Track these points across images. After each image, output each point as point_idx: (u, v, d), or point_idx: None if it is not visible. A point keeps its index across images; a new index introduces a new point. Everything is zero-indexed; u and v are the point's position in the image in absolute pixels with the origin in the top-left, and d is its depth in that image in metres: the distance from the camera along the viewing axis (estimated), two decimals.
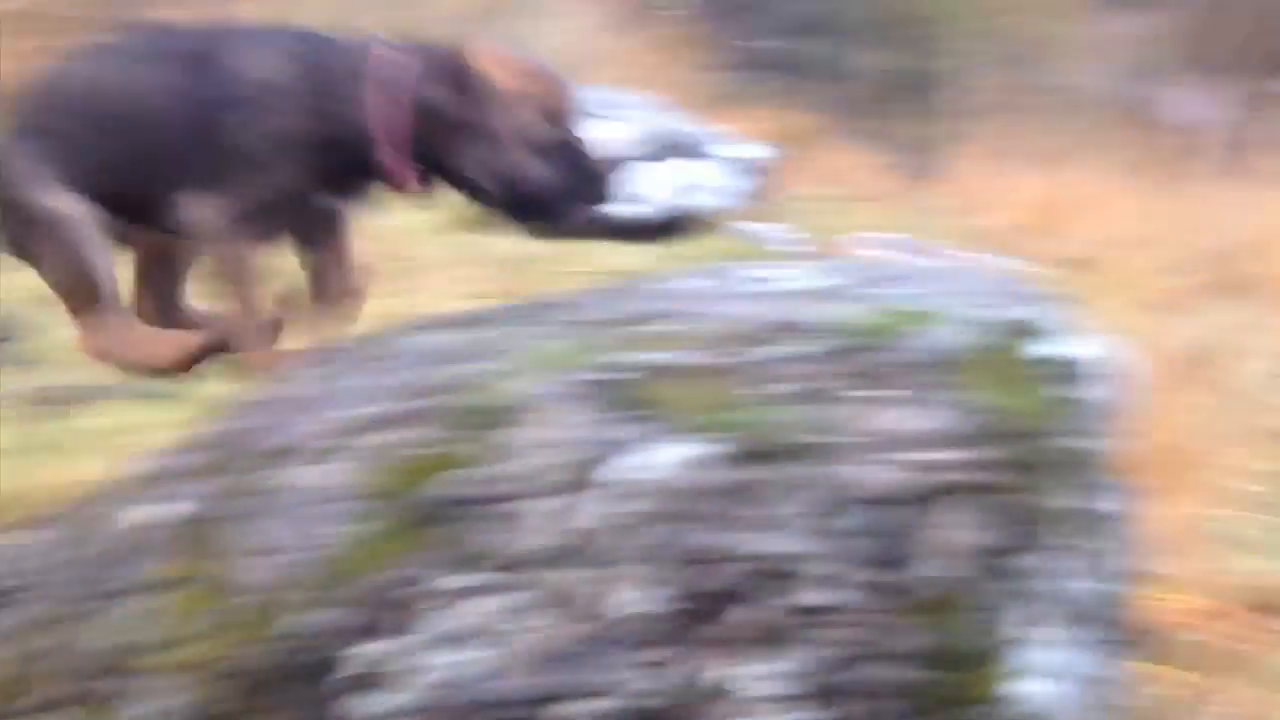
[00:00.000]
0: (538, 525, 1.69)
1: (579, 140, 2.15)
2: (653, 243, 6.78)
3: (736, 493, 1.69)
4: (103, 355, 2.34)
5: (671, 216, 6.95)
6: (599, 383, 1.78)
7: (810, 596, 1.70)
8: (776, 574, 1.69)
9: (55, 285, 2.29)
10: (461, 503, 1.71)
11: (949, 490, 1.73)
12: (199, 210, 2.17)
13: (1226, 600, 3.04)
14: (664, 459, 1.69)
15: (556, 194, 2.13)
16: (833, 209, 10.72)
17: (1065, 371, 1.86)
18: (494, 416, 1.76)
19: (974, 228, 9.11)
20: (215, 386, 3.47)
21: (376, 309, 4.12)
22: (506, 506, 1.70)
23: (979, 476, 1.74)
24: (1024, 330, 1.89)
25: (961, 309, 1.91)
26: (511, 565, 1.69)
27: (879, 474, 1.71)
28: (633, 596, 1.68)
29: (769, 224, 8.10)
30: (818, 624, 1.71)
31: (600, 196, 2.23)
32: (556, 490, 1.69)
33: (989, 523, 1.74)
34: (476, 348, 1.95)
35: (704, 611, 1.69)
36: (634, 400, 1.75)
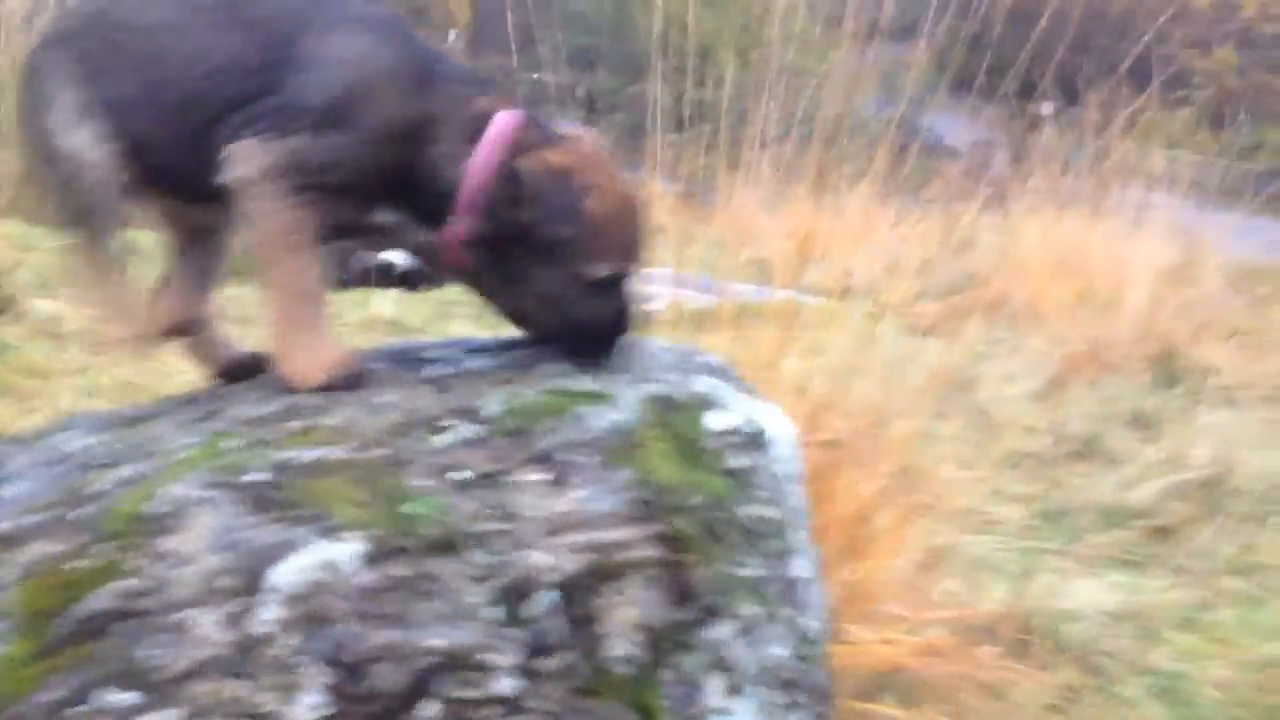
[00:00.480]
0: (207, 635, 1.60)
1: (631, 279, 2.00)
2: (420, 290, 6.72)
3: (416, 586, 1.65)
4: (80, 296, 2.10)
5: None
6: (264, 483, 1.70)
7: (501, 686, 1.67)
8: (465, 665, 1.65)
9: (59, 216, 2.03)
10: (124, 616, 1.61)
11: (632, 568, 1.71)
12: (248, 160, 1.88)
13: (984, 629, 3.13)
14: (338, 557, 1.63)
15: (597, 334, 1.98)
16: None
17: (744, 442, 1.87)
18: (152, 524, 1.66)
19: (749, 259, 9.32)
20: None
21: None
22: (173, 617, 1.61)
23: (661, 553, 1.72)
24: (700, 404, 1.88)
25: (636, 385, 1.90)
26: (182, 678, 1.60)
27: (561, 559, 1.69)
28: (314, 701, 1.62)
29: None
30: (512, 713, 1.67)
31: (626, 330, 2.02)
32: (225, 597, 1.61)
33: (676, 597, 1.73)
34: (128, 451, 1.83)
35: (392, 710, 1.64)
36: (302, 499, 1.68)
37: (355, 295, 6.44)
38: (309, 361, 1.91)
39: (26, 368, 4.00)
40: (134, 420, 1.94)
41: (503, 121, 1.92)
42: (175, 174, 1.99)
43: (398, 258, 7.08)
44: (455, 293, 6.74)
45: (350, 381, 1.90)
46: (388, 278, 7.02)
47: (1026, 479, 4.45)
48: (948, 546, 3.46)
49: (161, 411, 1.97)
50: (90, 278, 2.05)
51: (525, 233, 1.88)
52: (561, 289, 1.92)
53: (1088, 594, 3.48)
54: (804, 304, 6.20)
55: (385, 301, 6.26)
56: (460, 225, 1.91)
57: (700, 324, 4.16)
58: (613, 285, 1.94)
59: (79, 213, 1.99)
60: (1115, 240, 7.74)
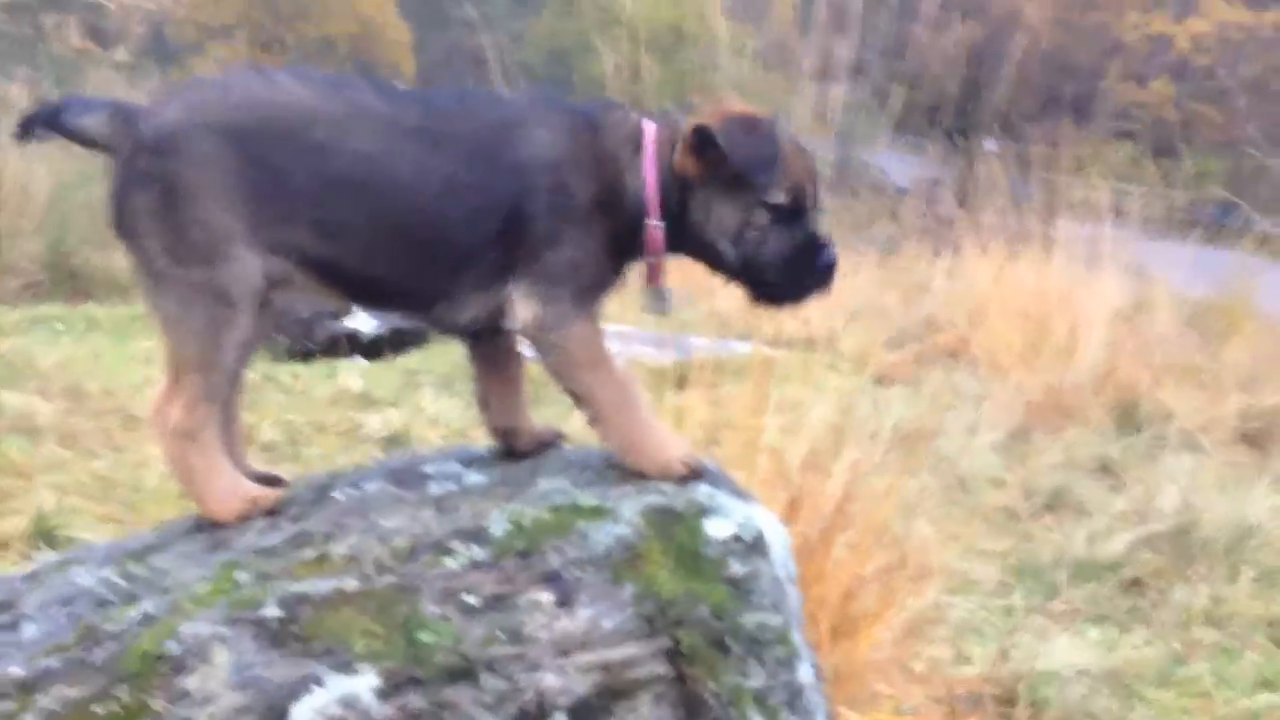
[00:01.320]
0: None
1: (815, 214, 2.14)
2: (387, 357, 6.73)
3: (433, 717, 1.69)
4: (174, 451, 1.98)
5: (404, 330, 6.93)
6: (280, 619, 1.73)
7: None
8: None
9: (169, 341, 1.96)
10: None
11: (641, 686, 1.75)
12: (530, 308, 2.03)
13: (969, 698, 3.19)
14: (355, 692, 1.67)
15: (792, 269, 2.11)
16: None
17: (744, 549, 1.92)
18: (172, 663, 1.69)
19: (707, 312, 9.40)
20: None
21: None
22: None
23: (668, 668, 1.78)
24: (699, 511, 1.93)
25: (635, 497, 1.95)
26: None
27: (571, 680, 1.73)
28: None
29: None
30: None
31: (827, 283, 2.16)
32: None
33: (685, 713, 1.78)
34: (141, 586, 1.85)
35: None
36: (318, 633, 1.72)
37: (322, 367, 6.44)
38: (668, 456, 2.03)
39: (2, 466, 3.99)
40: (142, 552, 1.96)
41: (647, 126, 2.13)
42: (390, 296, 2.10)
43: (365, 324, 7.09)
44: (419, 360, 6.76)
45: (699, 471, 2.05)
46: (354, 345, 7.02)
47: (998, 534, 4.52)
48: (927, 610, 3.52)
49: (167, 541, 1.99)
50: (198, 428, 1.97)
51: (697, 193, 2.10)
52: (758, 220, 2.08)
53: (1067, 653, 3.54)
54: (764, 356, 6.28)
55: (353, 373, 6.26)
56: (652, 220, 2.09)
57: (667, 382, 4.21)
58: (801, 213, 2.10)
59: (210, 328, 1.92)
60: (1069, 280, 7.87)
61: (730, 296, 9.44)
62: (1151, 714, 3.27)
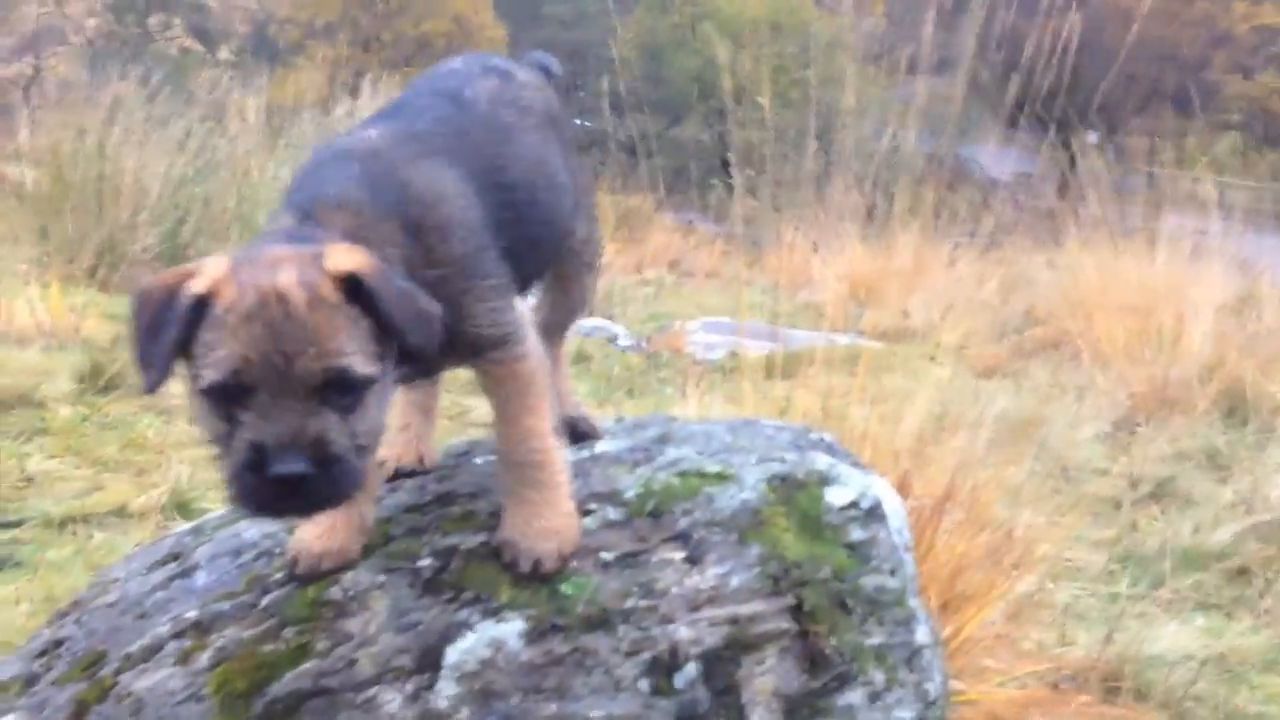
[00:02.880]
0: (391, 711, 1.75)
1: (277, 402, 1.54)
2: None
3: (574, 661, 1.80)
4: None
5: None
6: (430, 568, 1.87)
7: None
8: None
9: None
10: (316, 694, 1.77)
11: (768, 640, 1.85)
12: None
13: (1075, 678, 3.23)
14: (503, 636, 1.79)
15: (233, 476, 1.56)
16: (666, 293, 11.03)
17: (863, 515, 2.01)
18: (335, 608, 1.83)
19: (804, 304, 9.45)
20: (57, 552, 3.48)
21: None
22: (360, 695, 1.76)
23: (793, 624, 1.88)
24: (820, 480, 2.02)
25: (759, 465, 2.05)
26: None
27: (702, 632, 1.83)
28: None
29: (599, 318, 8.30)
30: None
31: (280, 503, 1.58)
32: (405, 676, 1.77)
33: (809, 666, 1.87)
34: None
35: None
36: (467, 582, 1.84)
37: None
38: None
39: (139, 444, 4.21)
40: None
41: None
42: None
43: None
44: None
45: None
46: None
47: (1104, 523, 4.53)
48: (1034, 595, 3.56)
49: None
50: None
51: None
52: (197, 408, 1.62)
53: (1172, 639, 3.56)
54: (864, 348, 6.33)
55: None
56: None
57: (762, 372, 4.28)
58: (242, 399, 1.55)
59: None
60: (1174, 273, 7.77)
61: (825, 289, 9.43)
62: (1257, 699, 3.28)
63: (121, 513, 3.69)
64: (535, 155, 2.03)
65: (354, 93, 11.76)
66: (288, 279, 1.55)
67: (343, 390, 1.56)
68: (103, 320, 5.92)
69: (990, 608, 2.99)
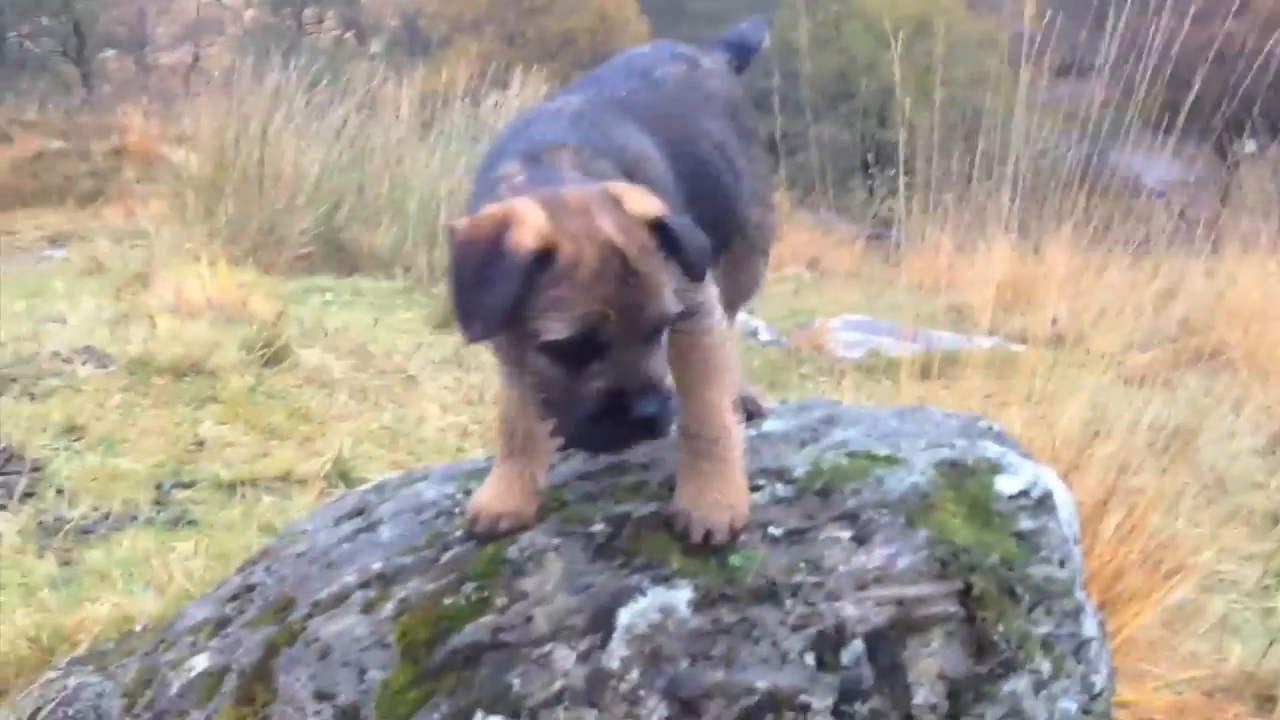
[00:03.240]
0: (565, 668, 1.81)
1: (631, 347, 1.63)
2: None
3: (741, 631, 1.84)
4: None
5: None
6: (604, 533, 1.93)
7: None
8: (786, 705, 1.81)
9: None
10: (494, 648, 1.84)
11: (934, 623, 1.86)
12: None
13: (1230, 689, 3.16)
14: (673, 602, 1.84)
15: (590, 423, 1.66)
16: (806, 290, 11.00)
17: (1033, 505, 2.00)
18: (512, 566, 1.91)
19: (946, 305, 9.31)
20: (227, 513, 3.65)
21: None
22: (536, 651, 1.82)
23: (961, 609, 1.88)
24: (990, 468, 2.02)
25: (928, 450, 2.06)
26: (546, 705, 1.81)
27: (868, 611, 1.85)
28: None
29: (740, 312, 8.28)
30: None
31: (643, 437, 1.69)
32: (578, 635, 1.83)
33: (975, 651, 1.87)
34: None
35: None
36: (639, 548, 1.90)
37: None
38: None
39: (303, 414, 4.38)
40: (476, 473, 2.19)
41: None
42: None
43: None
44: None
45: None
46: None
47: (1259, 537, 4.39)
48: (1189, 605, 3.48)
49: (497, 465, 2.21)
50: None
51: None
52: (535, 364, 1.66)
53: None
54: (1010, 352, 6.21)
55: None
56: None
57: (905, 372, 4.25)
58: (599, 351, 1.63)
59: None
60: None
61: (971, 292, 9.31)
62: None
63: (287, 478, 3.85)
64: (716, 139, 2.08)
65: (503, 86, 11.98)
66: (615, 229, 1.61)
67: (662, 330, 1.68)
68: (266, 298, 6.16)
69: (1148, 612, 2.94)
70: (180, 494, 3.76)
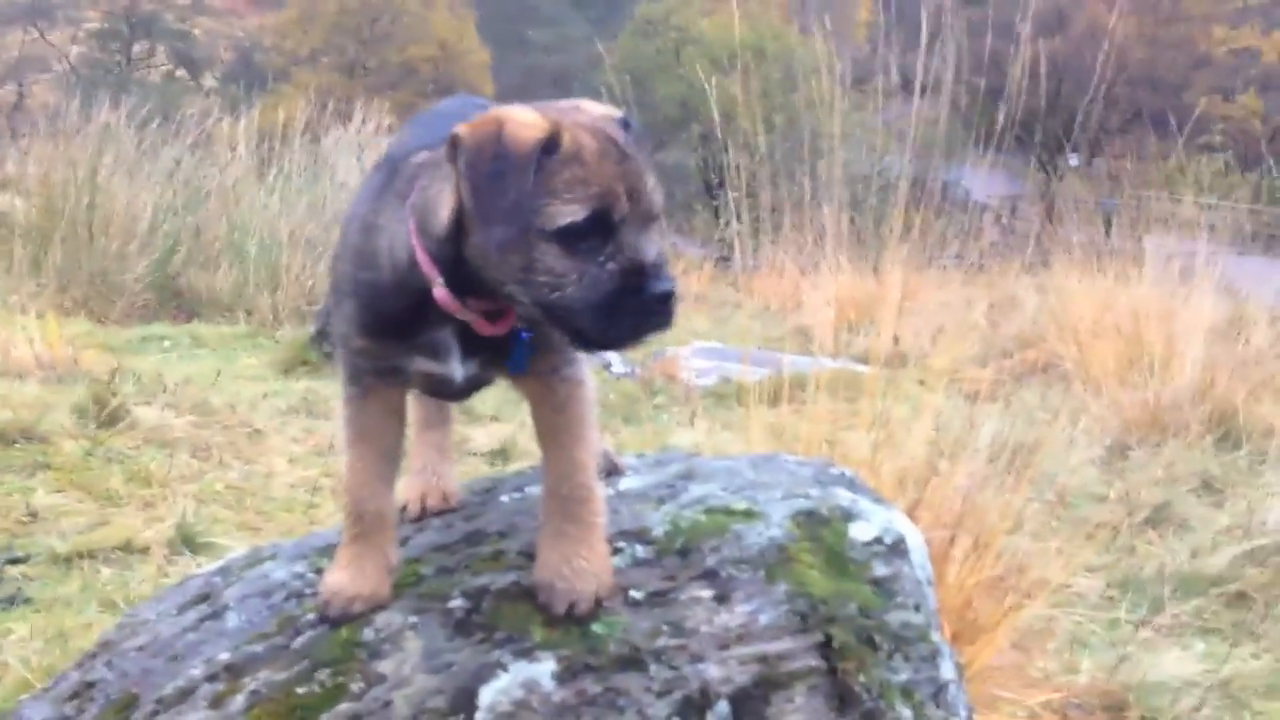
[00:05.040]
0: None
1: (640, 228, 1.66)
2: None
3: (606, 701, 1.82)
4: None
5: None
6: (462, 609, 1.88)
7: None
8: None
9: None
10: None
11: (797, 678, 1.87)
12: None
13: (1083, 706, 3.26)
14: (536, 676, 1.80)
15: (605, 308, 1.64)
16: None
17: (886, 551, 2.03)
18: (368, 649, 1.85)
19: (793, 328, 9.50)
20: (65, 588, 3.47)
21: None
22: None
23: (822, 661, 1.90)
24: (844, 516, 2.05)
25: (783, 501, 2.07)
26: None
27: (732, 671, 1.85)
28: None
29: None
30: None
31: (662, 317, 1.67)
32: (441, 717, 1.78)
33: (838, 704, 1.89)
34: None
35: None
36: (499, 622, 1.86)
37: None
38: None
39: (143, 477, 4.21)
40: (329, 549, 2.11)
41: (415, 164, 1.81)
42: None
43: None
44: None
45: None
46: None
47: (1100, 548, 4.56)
48: (1036, 622, 3.59)
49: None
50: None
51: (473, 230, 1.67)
52: (544, 255, 1.63)
53: (1175, 665, 3.58)
54: (855, 373, 6.36)
55: None
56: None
57: (755, 397, 4.31)
58: (611, 231, 1.64)
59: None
60: (1161, 296, 7.84)
61: (815, 313, 9.49)
62: None
63: (128, 547, 3.69)
64: None
65: (345, 120, 11.79)
66: (606, 123, 1.69)
67: (659, 217, 1.70)
68: (100, 351, 5.92)
69: (1000, 637, 3.02)
70: (13, 570, 3.57)
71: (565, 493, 1.87)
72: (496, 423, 5.72)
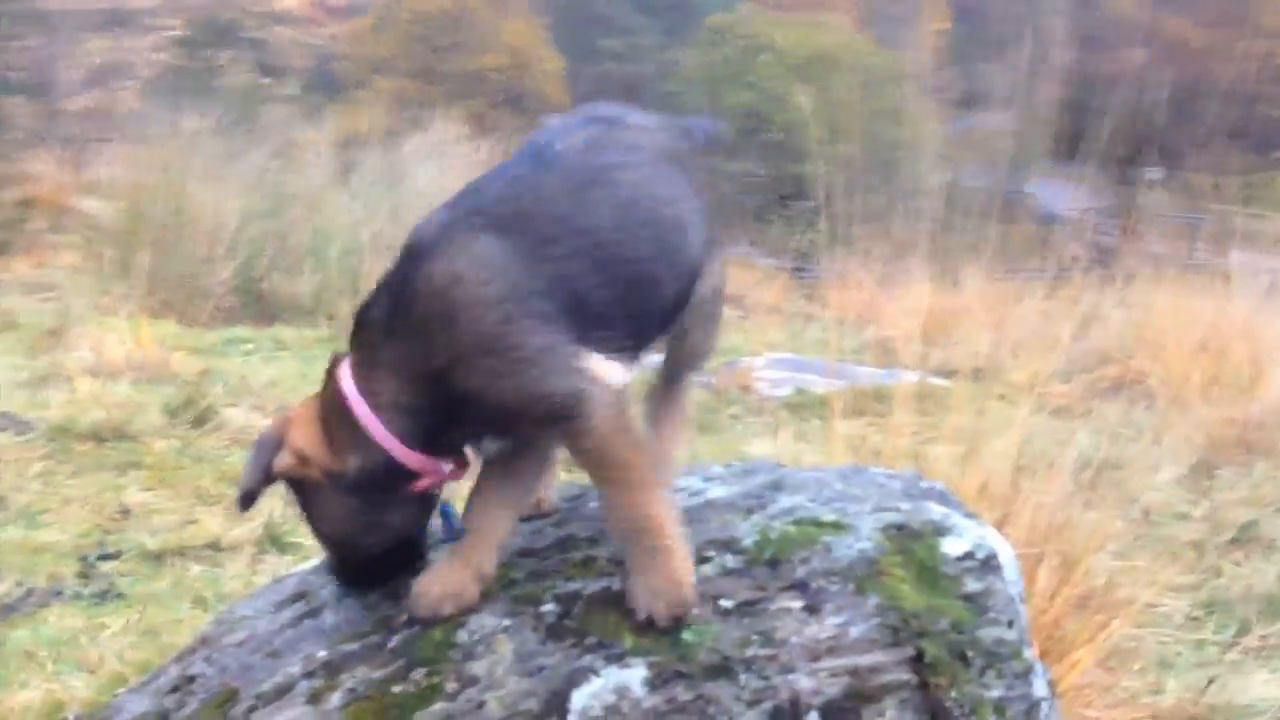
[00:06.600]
0: None
1: None
2: None
3: (696, 709, 1.82)
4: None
5: None
6: (554, 613, 1.90)
7: None
8: None
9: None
10: None
11: (887, 691, 1.87)
12: None
13: None
14: (628, 682, 1.82)
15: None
16: (730, 328, 11.05)
17: (979, 566, 2.02)
18: (462, 650, 1.87)
19: (869, 340, 9.43)
20: (156, 584, 3.55)
21: None
22: None
23: (913, 676, 1.89)
24: (935, 530, 2.04)
25: (873, 514, 2.07)
26: None
27: (822, 682, 1.85)
28: None
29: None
30: None
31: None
32: (535, 718, 1.80)
33: (931, 717, 1.88)
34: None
35: None
36: (587, 628, 1.87)
37: None
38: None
39: (231, 477, 4.29)
40: None
41: None
42: None
43: None
44: None
45: None
46: None
47: (1186, 568, 4.48)
48: (1122, 641, 3.53)
49: (442, 541, 2.18)
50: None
51: None
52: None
53: (1263, 688, 3.51)
54: (934, 386, 6.30)
55: None
56: None
57: (831, 410, 4.29)
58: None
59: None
60: (1247, 311, 7.69)
61: (892, 326, 9.42)
62: None
63: (216, 546, 3.77)
64: (633, 193, 1.95)
65: (422, 126, 11.93)
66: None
67: None
68: (187, 353, 6.05)
69: (1087, 656, 2.98)
70: (106, 566, 3.66)
71: (624, 529, 1.86)
72: None
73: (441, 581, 1.94)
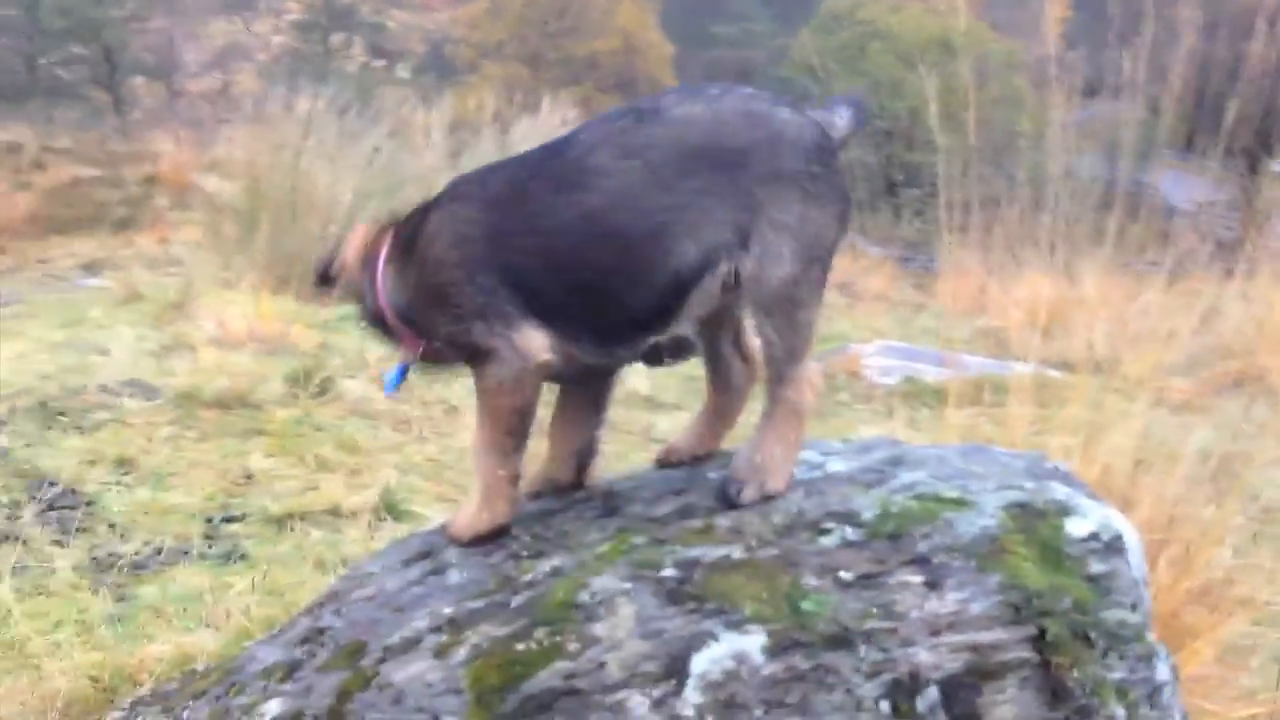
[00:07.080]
0: (640, 715, 1.81)
1: None
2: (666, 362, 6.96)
3: (815, 678, 1.83)
4: None
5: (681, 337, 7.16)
6: (674, 578, 1.93)
7: None
8: None
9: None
10: (567, 694, 1.83)
11: (1009, 669, 1.86)
12: None
13: None
14: (746, 649, 1.84)
15: None
16: (837, 314, 10.97)
17: (1103, 548, 1.99)
18: (583, 611, 1.91)
19: (979, 330, 9.28)
20: (279, 547, 3.66)
21: None
22: (609, 698, 1.82)
23: (1035, 654, 1.87)
24: (1059, 510, 2.02)
25: (996, 492, 2.05)
26: None
27: (943, 658, 1.85)
28: None
29: None
30: None
31: None
32: (652, 681, 1.82)
33: (1050, 698, 1.86)
34: (551, 543, 2.09)
35: None
36: (710, 594, 1.90)
37: None
38: None
39: (349, 446, 4.41)
40: (544, 515, 2.20)
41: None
42: None
43: None
44: (695, 366, 6.99)
45: None
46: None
47: None
48: (1240, 637, 3.45)
49: (566, 506, 2.23)
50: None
51: None
52: None
53: None
54: (1049, 378, 6.17)
55: (639, 376, 6.53)
56: None
57: (941, 399, 4.23)
58: None
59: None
60: None
61: (1004, 316, 9.22)
62: None
63: (336, 512, 3.87)
64: (606, 201, 2.04)
65: (533, 110, 12.03)
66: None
67: None
68: (305, 327, 6.20)
69: (1205, 649, 2.92)
70: (230, 528, 3.79)
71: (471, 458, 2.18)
72: (680, 411, 5.79)
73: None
